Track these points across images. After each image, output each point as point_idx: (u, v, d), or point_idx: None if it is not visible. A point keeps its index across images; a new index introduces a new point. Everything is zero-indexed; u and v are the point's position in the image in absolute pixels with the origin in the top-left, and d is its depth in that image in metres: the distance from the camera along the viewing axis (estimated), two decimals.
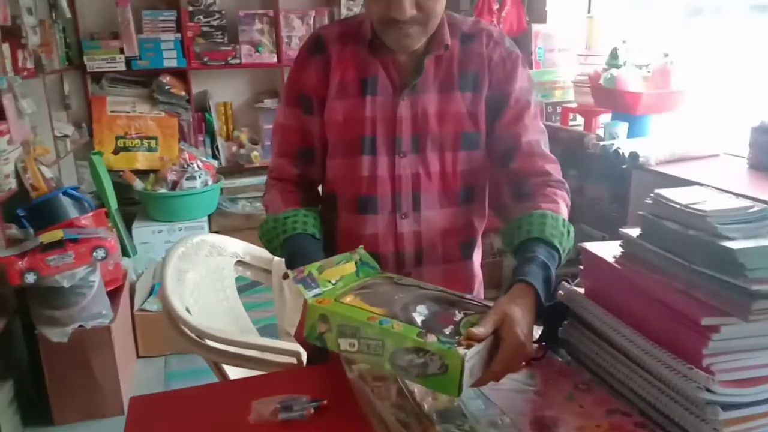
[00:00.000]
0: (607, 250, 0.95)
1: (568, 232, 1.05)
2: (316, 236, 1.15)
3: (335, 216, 1.21)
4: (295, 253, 1.11)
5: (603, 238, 2.82)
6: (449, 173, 1.15)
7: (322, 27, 1.21)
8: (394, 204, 1.15)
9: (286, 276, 0.96)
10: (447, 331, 0.83)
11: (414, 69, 1.13)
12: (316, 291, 0.94)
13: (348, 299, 0.91)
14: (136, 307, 2.90)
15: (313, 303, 0.90)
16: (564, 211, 1.09)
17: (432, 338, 0.80)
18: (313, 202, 1.23)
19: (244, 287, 2.72)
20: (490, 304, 0.93)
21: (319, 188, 1.28)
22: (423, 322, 0.85)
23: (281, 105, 1.22)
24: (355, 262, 1.04)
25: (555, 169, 1.14)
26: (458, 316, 0.88)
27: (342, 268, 1.01)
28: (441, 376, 0.78)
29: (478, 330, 0.82)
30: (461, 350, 0.78)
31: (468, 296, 0.98)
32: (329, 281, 0.97)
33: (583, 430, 0.80)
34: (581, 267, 1.01)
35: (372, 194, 1.15)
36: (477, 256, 1.26)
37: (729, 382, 0.74)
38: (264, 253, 2.22)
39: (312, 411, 0.91)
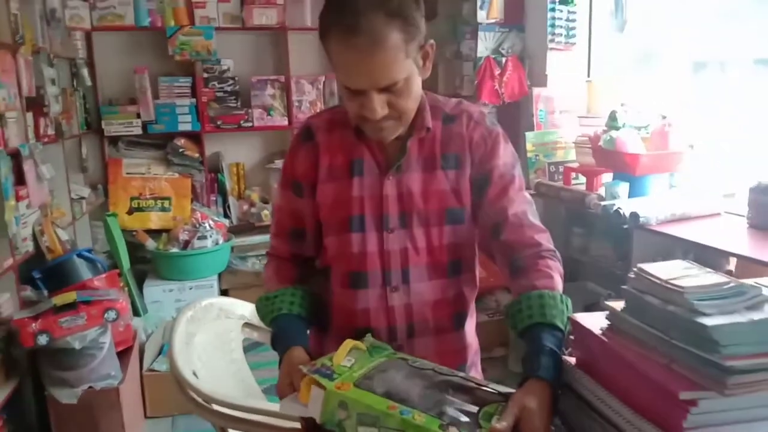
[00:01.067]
0: (596, 321, 0.99)
1: (567, 307, 1.08)
2: (302, 315, 1.21)
3: (329, 291, 1.27)
4: (278, 335, 1.19)
5: (609, 296, 2.83)
6: (436, 247, 1.20)
7: (312, 116, 1.30)
8: (384, 278, 1.20)
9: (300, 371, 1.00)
10: (466, 421, 0.85)
11: (398, 150, 1.19)
12: (333, 377, 0.95)
13: (366, 385, 0.92)
14: (145, 367, 2.92)
15: (333, 389, 0.91)
16: (559, 284, 1.12)
17: (454, 431, 0.82)
18: (307, 276, 1.30)
19: (250, 346, 2.75)
20: (505, 391, 0.96)
21: (316, 262, 1.34)
22: (442, 412, 0.87)
23: (278, 187, 1.31)
24: (367, 348, 1.07)
25: (545, 238, 1.18)
26: (475, 406, 0.90)
27: (353, 352, 1.03)
28: None
29: (500, 425, 0.85)
30: None
31: (483, 384, 1.00)
32: (343, 365, 0.99)
33: None
34: (572, 337, 1.04)
35: (362, 270, 1.20)
36: (470, 326, 1.30)
37: None
38: None
39: None
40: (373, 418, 0.86)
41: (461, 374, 1.02)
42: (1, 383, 2.31)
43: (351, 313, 1.22)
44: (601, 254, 2.99)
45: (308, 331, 1.25)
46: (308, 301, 1.25)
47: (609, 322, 0.95)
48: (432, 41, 1.11)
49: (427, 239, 1.19)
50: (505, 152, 1.21)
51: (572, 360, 1.03)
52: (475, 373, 1.31)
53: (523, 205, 1.19)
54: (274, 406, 1.57)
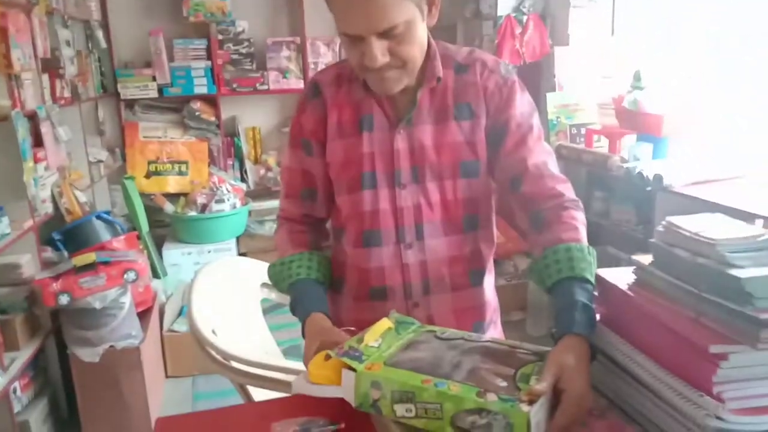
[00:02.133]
0: (621, 277, 0.96)
1: (594, 258, 1.03)
2: (320, 280, 1.19)
3: (343, 251, 1.24)
4: (297, 300, 1.16)
5: (629, 260, 2.80)
6: (450, 201, 1.16)
7: (319, 72, 1.24)
8: (397, 235, 1.17)
9: (328, 356, 0.96)
10: (503, 385, 0.83)
11: (408, 103, 1.15)
12: (363, 359, 0.92)
13: (396, 362, 0.90)
14: (165, 328, 2.96)
15: (363, 370, 0.88)
16: (584, 235, 1.07)
17: (492, 397, 0.79)
18: (320, 240, 1.28)
19: (269, 308, 2.76)
20: (539, 350, 0.93)
21: (327, 224, 1.32)
22: (478, 379, 0.85)
23: (287, 147, 1.27)
24: (393, 324, 1.04)
25: (566, 189, 1.12)
26: (511, 369, 0.88)
27: (381, 330, 1.01)
28: None
29: (541, 386, 0.81)
30: (525, 407, 0.77)
31: (515, 344, 0.97)
32: (371, 346, 0.96)
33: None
34: (595, 293, 1.02)
35: (375, 228, 1.17)
36: (489, 283, 1.26)
37: (739, 410, 0.74)
38: None
39: None
40: (407, 394, 0.83)
41: (492, 339, 0.99)
42: (25, 342, 2.35)
43: (365, 273, 1.20)
44: (622, 218, 2.94)
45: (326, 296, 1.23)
46: (324, 266, 1.22)
47: (636, 277, 0.92)
48: None
49: (441, 193, 1.15)
50: (522, 101, 1.15)
51: (596, 316, 1.01)
52: (494, 330, 1.28)
53: (543, 155, 1.14)
54: (293, 364, 1.58)
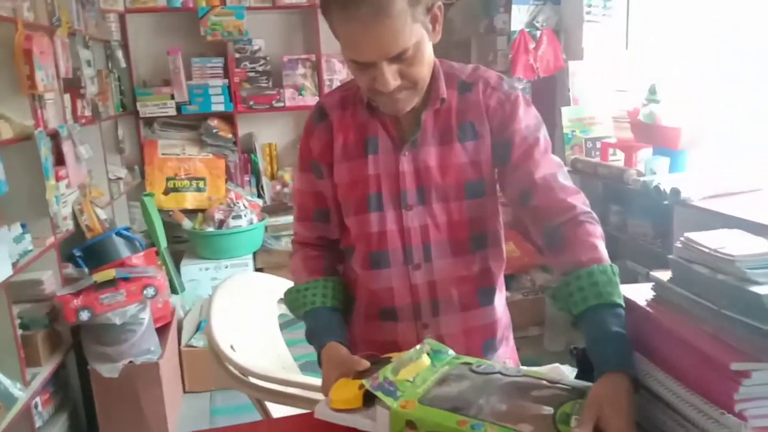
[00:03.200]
0: (640, 293, 0.96)
1: (617, 276, 1.00)
2: (336, 307, 1.19)
3: (354, 271, 1.24)
4: (313, 329, 1.16)
5: (647, 275, 2.77)
6: (457, 222, 1.15)
7: (324, 95, 1.25)
8: (405, 256, 1.16)
9: (362, 386, 0.94)
10: (543, 426, 0.81)
11: (413, 124, 1.14)
12: (397, 394, 0.90)
13: (431, 400, 0.88)
14: (183, 343, 2.98)
15: (398, 409, 0.87)
16: (603, 252, 1.04)
17: None
18: (335, 263, 1.29)
19: (286, 324, 2.77)
20: (580, 385, 0.91)
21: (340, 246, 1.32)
22: (516, 419, 0.83)
23: (297, 171, 1.27)
24: (427, 353, 1.02)
25: (578, 200, 1.10)
26: (550, 408, 0.86)
27: (417, 365, 0.99)
28: None
29: (582, 430, 0.79)
30: None
31: (555, 379, 0.96)
32: (407, 380, 0.94)
33: None
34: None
35: (383, 249, 1.17)
36: (499, 300, 1.25)
37: (762, 428, 0.74)
38: None
39: None
40: None
41: (530, 373, 0.97)
42: (46, 358, 2.38)
43: (375, 293, 1.19)
44: (639, 232, 2.92)
45: (343, 323, 1.20)
46: (340, 291, 1.22)
47: (654, 293, 0.92)
48: (440, 2, 1.04)
49: (448, 214, 1.15)
50: (527, 115, 1.14)
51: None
52: (506, 347, 1.27)
53: (551, 168, 1.12)
54: (310, 380, 1.59)
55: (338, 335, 1.14)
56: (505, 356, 1.25)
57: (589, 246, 1.04)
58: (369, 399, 0.93)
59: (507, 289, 1.31)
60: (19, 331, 2.24)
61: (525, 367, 1.01)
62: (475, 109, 1.14)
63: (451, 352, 1.06)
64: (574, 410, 0.85)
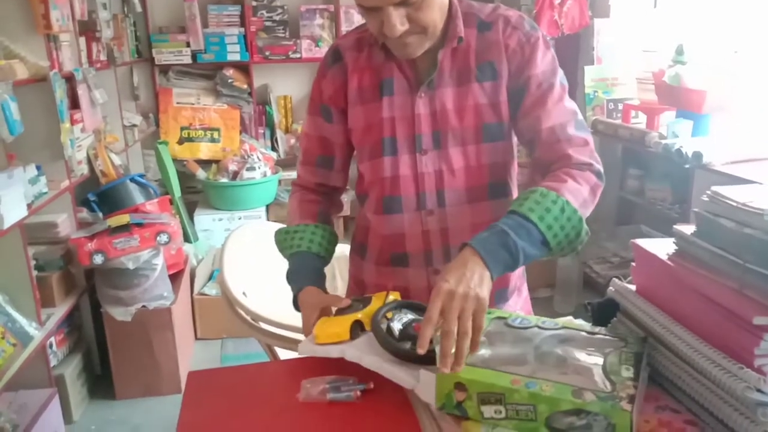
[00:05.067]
0: (660, 247, 0.94)
1: (562, 210, 0.96)
2: (320, 254, 1.19)
3: (366, 217, 1.23)
4: (294, 272, 1.17)
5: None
6: (474, 167, 1.12)
7: (340, 37, 1.22)
8: (418, 202, 1.14)
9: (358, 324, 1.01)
10: (596, 380, 0.79)
11: (429, 65, 1.11)
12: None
13: (477, 360, 0.86)
14: (195, 291, 3.01)
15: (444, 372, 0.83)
16: (569, 189, 0.99)
17: (590, 396, 0.76)
18: (332, 210, 1.29)
19: None
20: (618, 333, 0.91)
21: (344, 195, 1.34)
22: (568, 372, 0.81)
23: (307, 114, 1.25)
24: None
25: (580, 151, 1.06)
26: (598, 358, 0.85)
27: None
28: None
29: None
30: (627, 405, 0.74)
31: (592, 330, 0.94)
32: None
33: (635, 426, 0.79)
34: (633, 264, 0.99)
35: (396, 194, 1.15)
36: None
37: None
38: None
39: (359, 393, 0.94)
40: (496, 396, 0.80)
41: (567, 325, 0.95)
42: (61, 299, 2.42)
43: (386, 239, 1.18)
44: (657, 196, 2.88)
45: (324, 270, 1.21)
46: (328, 240, 1.22)
47: (676, 247, 0.90)
48: None
49: (465, 159, 1.11)
50: (544, 59, 1.09)
51: (633, 287, 0.99)
52: (518, 297, 1.26)
53: (562, 117, 1.07)
54: None
55: (316, 281, 1.15)
56: (517, 307, 1.24)
57: (556, 178, 1.01)
58: (354, 332, 1.00)
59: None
60: (35, 272, 2.27)
61: (560, 319, 0.98)
62: (495, 49, 1.10)
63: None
64: (622, 359, 0.83)
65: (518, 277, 1.25)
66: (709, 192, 0.87)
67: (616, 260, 3.16)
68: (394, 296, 1.06)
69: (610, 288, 1.02)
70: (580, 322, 0.98)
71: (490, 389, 0.80)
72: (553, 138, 1.07)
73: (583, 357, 0.85)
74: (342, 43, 1.18)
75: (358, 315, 1.02)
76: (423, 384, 0.88)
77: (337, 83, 1.17)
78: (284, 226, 1.25)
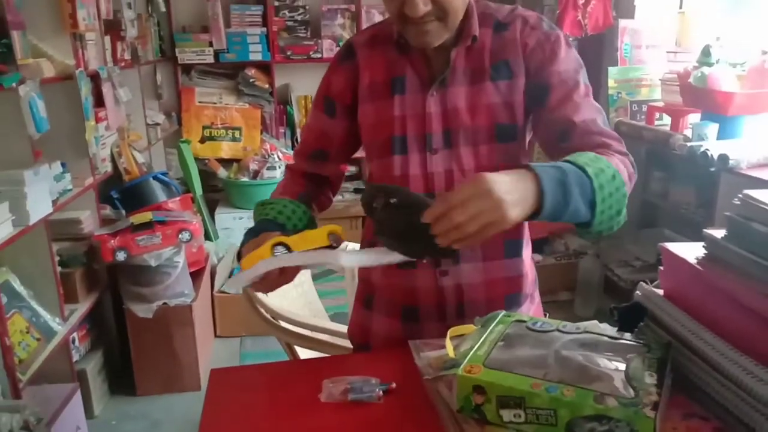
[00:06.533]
0: (689, 251, 0.92)
1: (613, 177, 0.91)
2: (283, 223, 1.13)
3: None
4: (249, 231, 1.11)
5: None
6: (485, 168, 1.05)
7: (355, 34, 1.21)
8: None
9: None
10: (618, 385, 0.78)
11: (442, 63, 1.09)
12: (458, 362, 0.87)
13: (496, 363, 0.84)
14: (216, 289, 3.03)
15: (464, 374, 0.83)
16: (617, 163, 0.95)
17: (612, 402, 0.74)
18: (316, 194, 1.26)
19: (319, 275, 2.80)
20: (643, 340, 0.89)
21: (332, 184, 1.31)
22: (590, 379, 0.80)
23: (312, 106, 1.26)
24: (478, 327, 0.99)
25: (617, 143, 1.03)
26: (620, 364, 0.83)
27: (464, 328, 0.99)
28: None
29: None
30: (650, 412, 0.72)
31: (616, 336, 0.92)
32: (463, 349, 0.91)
33: None
34: (661, 268, 0.98)
35: None
36: (525, 254, 1.20)
37: None
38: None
39: (381, 393, 0.93)
40: (516, 399, 0.79)
41: (589, 329, 0.94)
42: (83, 295, 2.45)
43: None
44: (681, 200, 2.84)
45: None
46: (299, 217, 1.16)
47: (706, 251, 0.88)
48: None
49: (476, 160, 1.09)
50: (567, 57, 1.07)
51: (660, 291, 0.97)
52: (531, 304, 1.23)
53: (592, 113, 1.04)
54: (339, 327, 1.59)
55: (262, 229, 1.10)
56: (530, 313, 1.22)
57: (600, 153, 0.96)
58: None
59: (539, 252, 1.27)
60: (58, 268, 2.30)
61: (582, 323, 0.96)
62: (511, 47, 1.08)
63: (498, 315, 1.00)
64: (645, 365, 0.82)
65: (531, 283, 1.23)
66: (740, 195, 0.86)
67: (638, 264, 3.12)
68: (332, 230, 1.02)
69: (637, 292, 1.00)
70: (603, 327, 0.97)
71: (510, 393, 0.79)
72: (588, 129, 1.03)
73: (604, 362, 0.84)
74: (356, 40, 1.18)
75: (281, 237, 1.01)
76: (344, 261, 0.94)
77: (348, 78, 1.16)
78: (262, 200, 1.21)
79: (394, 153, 1.12)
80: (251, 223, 1.18)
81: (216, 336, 3.06)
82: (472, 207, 0.81)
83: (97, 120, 2.61)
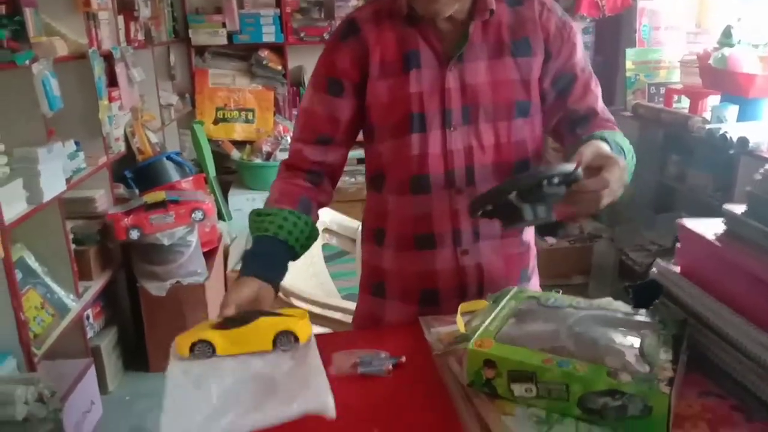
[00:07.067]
0: (707, 227, 0.90)
1: (633, 156, 1.04)
2: (290, 243, 1.05)
3: (384, 200, 1.16)
4: (249, 254, 1.04)
5: None
6: (504, 144, 1.09)
7: (354, 11, 1.14)
8: (447, 181, 1.09)
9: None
10: (631, 361, 0.77)
11: (458, 37, 1.06)
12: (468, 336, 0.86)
13: (507, 338, 0.83)
14: (229, 269, 3.04)
15: (474, 348, 0.82)
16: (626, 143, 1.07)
17: (626, 377, 0.73)
18: (315, 202, 1.14)
19: (331, 257, 2.79)
20: (659, 317, 0.87)
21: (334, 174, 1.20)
22: (603, 354, 0.78)
23: (307, 90, 1.16)
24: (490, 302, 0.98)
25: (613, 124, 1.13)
26: (635, 340, 0.82)
27: (475, 304, 0.98)
28: (644, 418, 0.71)
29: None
30: (665, 387, 0.71)
31: (631, 312, 0.91)
32: (474, 324, 0.90)
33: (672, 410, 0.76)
34: (677, 245, 0.96)
35: (424, 173, 1.09)
36: (529, 229, 1.21)
37: None
38: (350, 222, 2.26)
39: (390, 367, 0.93)
40: (527, 374, 0.77)
41: (602, 306, 0.93)
42: (97, 273, 2.47)
43: (410, 221, 1.12)
44: (698, 183, 2.79)
45: (288, 263, 1.07)
46: (301, 230, 1.07)
47: (726, 227, 0.86)
48: None
49: (495, 136, 1.08)
50: (580, 43, 1.13)
51: (677, 268, 0.95)
52: (535, 278, 1.24)
53: (601, 100, 1.14)
54: (350, 305, 1.59)
55: (268, 271, 1.00)
56: (535, 287, 1.22)
57: (612, 129, 1.07)
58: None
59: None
60: (72, 246, 2.32)
61: (596, 300, 0.95)
62: (530, 25, 1.08)
63: (510, 291, 0.99)
64: (660, 341, 0.80)
65: (534, 256, 1.24)
66: (762, 170, 0.83)
67: (653, 248, 3.08)
68: (285, 328, 0.87)
69: (653, 270, 0.98)
70: (618, 304, 0.95)
71: (521, 367, 0.78)
72: (604, 116, 1.12)
73: (618, 338, 0.82)
74: (358, 15, 1.12)
75: (208, 332, 0.86)
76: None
77: (354, 56, 1.09)
78: (259, 208, 1.10)
79: (412, 131, 1.08)
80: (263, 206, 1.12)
81: None
82: (615, 187, 0.89)
83: (111, 99, 2.61)
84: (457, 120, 1.08)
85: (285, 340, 0.84)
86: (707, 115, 2.54)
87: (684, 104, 2.77)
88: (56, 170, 2.09)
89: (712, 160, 2.67)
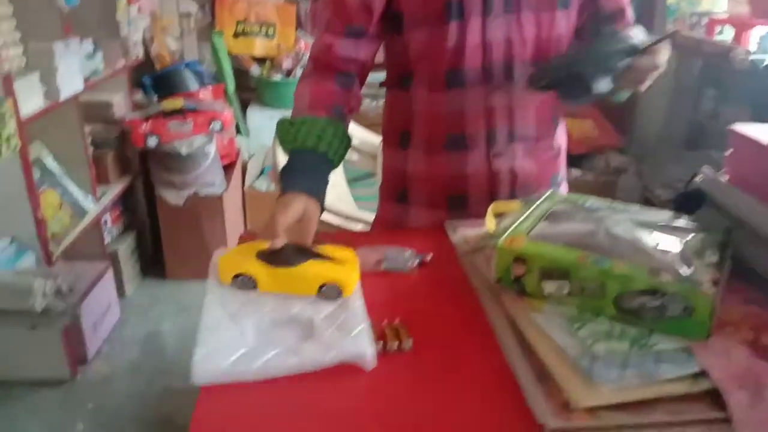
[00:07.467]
0: (761, 131, 0.84)
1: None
2: (329, 156, 0.98)
3: (411, 98, 1.09)
4: (291, 170, 0.96)
5: None
6: (544, 39, 1.02)
7: None
8: (484, 76, 1.02)
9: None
10: (675, 261, 0.72)
11: None
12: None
13: (540, 236, 0.79)
14: (246, 185, 3.02)
15: (504, 246, 0.78)
16: None
17: (668, 276, 0.69)
18: (347, 109, 1.06)
19: (352, 180, 2.75)
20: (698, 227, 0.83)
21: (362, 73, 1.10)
22: (644, 254, 0.74)
23: None
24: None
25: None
26: (678, 242, 0.77)
27: (508, 205, 0.95)
28: (684, 318, 0.68)
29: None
30: (709, 288, 0.67)
31: (672, 215, 0.87)
32: (503, 226, 0.85)
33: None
34: (726, 154, 0.90)
35: (459, 67, 1.02)
36: (561, 129, 1.18)
37: None
38: (372, 138, 2.21)
39: (415, 264, 0.90)
40: (560, 271, 0.74)
41: (639, 209, 0.89)
42: (115, 178, 2.46)
43: (441, 120, 1.06)
44: (734, 119, 2.66)
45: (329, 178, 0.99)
46: (340, 141, 1.00)
47: None
48: None
49: (537, 28, 1.01)
50: None
51: (725, 177, 0.90)
52: (564, 185, 1.20)
53: (630, 7, 1.11)
54: (368, 216, 1.56)
55: (315, 188, 0.94)
56: (565, 192, 1.19)
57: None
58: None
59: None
60: (91, 149, 2.29)
61: (635, 206, 0.91)
62: None
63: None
64: (705, 245, 0.76)
65: (564, 163, 1.21)
66: None
67: (680, 185, 3.01)
68: (332, 279, 0.81)
69: (697, 178, 0.93)
70: (658, 211, 0.91)
71: (554, 264, 0.74)
72: (629, 15, 1.10)
73: (659, 240, 0.78)
74: None
75: (253, 264, 0.82)
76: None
77: None
78: (288, 117, 1.02)
79: (450, 19, 0.99)
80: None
81: (246, 230, 3.08)
82: (661, 70, 0.93)
83: (129, 1, 2.53)
84: (498, 8, 0.99)
85: (330, 290, 0.80)
86: (752, 48, 2.41)
87: (726, 36, 2.63)
88: (73, 68, 2.03)
89: (751, 96, 2.56)
